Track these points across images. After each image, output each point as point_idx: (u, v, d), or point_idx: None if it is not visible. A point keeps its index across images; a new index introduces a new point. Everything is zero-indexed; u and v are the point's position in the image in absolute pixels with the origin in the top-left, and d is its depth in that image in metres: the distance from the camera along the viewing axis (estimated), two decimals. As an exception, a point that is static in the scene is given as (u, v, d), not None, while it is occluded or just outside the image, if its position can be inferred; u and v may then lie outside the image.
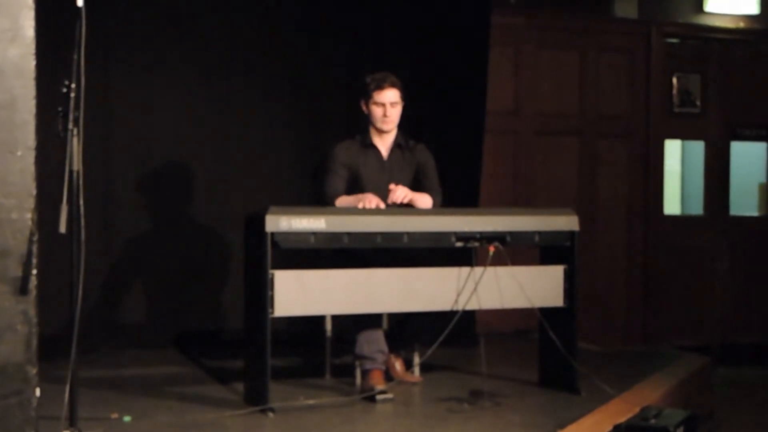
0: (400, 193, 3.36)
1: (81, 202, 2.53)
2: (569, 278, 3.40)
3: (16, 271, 2.29)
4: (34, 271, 2.29)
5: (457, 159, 4.63)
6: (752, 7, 6.16)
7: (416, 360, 3.64)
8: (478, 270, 3.21)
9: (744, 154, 6.38)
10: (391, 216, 3.18)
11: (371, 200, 3.30)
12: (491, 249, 3.21)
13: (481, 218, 3.28)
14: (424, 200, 3.50)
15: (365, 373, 3.38)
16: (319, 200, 3.51)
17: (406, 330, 3.53)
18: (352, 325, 3.39)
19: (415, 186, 3.58)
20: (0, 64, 2.28)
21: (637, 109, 5.93)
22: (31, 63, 2.32)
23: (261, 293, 2.96)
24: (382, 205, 3.33)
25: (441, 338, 3.16)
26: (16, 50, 2.31)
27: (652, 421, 2.89)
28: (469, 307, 3.23)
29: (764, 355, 5.88)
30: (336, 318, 3.61)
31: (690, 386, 3.83)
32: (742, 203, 6.37)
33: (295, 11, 4.62)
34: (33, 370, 2.29)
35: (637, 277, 5.90)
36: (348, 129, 3.82)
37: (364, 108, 3.55)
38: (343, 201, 3.43)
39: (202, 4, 4.47)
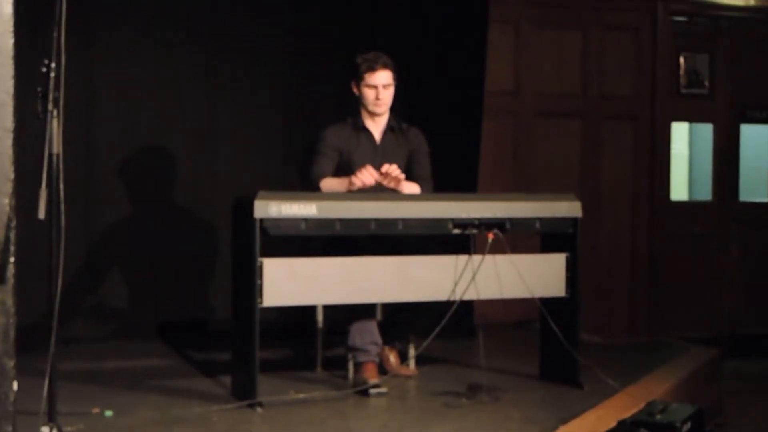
0: (394, 169, 3.27)
1: (61, 186, 2.48)
2: (571, 267, 3.37)
3: (-7, 259, 2.26)
4: (12, 259, 2.27)
5: (454, 142, 4.58)
6: (763, -15, 6.08)
7: (411, 352, 3.60)
8: (477, 258, 3.18)
9: (754, 138, 6.31)
10: (385, 202, 3.14)
11: (364, 173, 3.22)
12: (490, 236, 3.18)
13: (480, 204, 3.24)
14: (410, 189, 3.45)
15: (358, 366, 3.34)
16: (305, 181, 3.46)
17: (401, 321, 3.49)
18: (345, 315, 3.35)
19: (407, 171, 3.52)
20: (-24, 43, 2.25)
21: (643, 90, 5.86)
22: (9, 41, 2.28)
23: (249, 282, 2.93)
24: (376, 174, 3.25)
25: (437, 329, 3.12)
26: (-6, 28, 2.27)
27: (658, 416, 2.83)
28: (467, 297, 3.20)
29: (774, 347, 5.83)
30: (328, 308, 3.57)
31: (697, 380, 3.79)
32: (752, 189, 6.31)
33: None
34: (10, 363, 2.26)
35: (643, 266, 5.83)
36: (339, 111, 3.77)
37: (355, 90, 3.49)
38: (328, 182, 3.38)
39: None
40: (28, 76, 2.49)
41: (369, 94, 3.43)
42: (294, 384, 3.32)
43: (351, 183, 3.25)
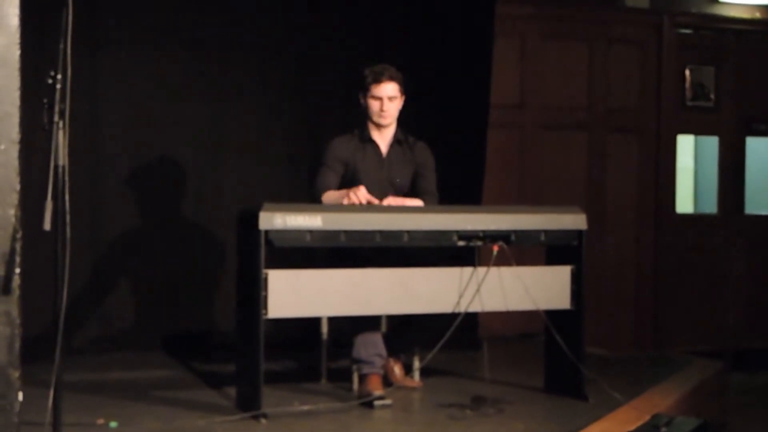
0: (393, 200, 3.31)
1: (66, 198, 2.47)
2: (576, 279, 3.35)
3: (-1, 270, 2.26)
4: (17, 270, 2.27)
5: (459, 154, 4.58)
6: (769, -3, 6.09)
7: (416, 364, 3.58)
8: (481, 270, 3.16)
9: (760, 151, 6.29)
10: (390, 214, 3.12)
11: (359, 194, 3.21)
12: (495, 248, 3.16)
13: (485, 216, 3.23)
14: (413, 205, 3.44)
15: (363, 378, 3.32)
16: (310, 194, 3.46)
17: (406, 333, 3.47)
18: (349, 327, 3.34)
19: (412, 185, 3.52)
20: (-17, 54, 2.26)
21: (648, 103, 5.85)
22: (16, 53, 2.29)
23: (254, 294, 2.92)
24: (371, 199, 3.25)
25: (442, 341, 3.11)
26: (0, 39, 2.28)
27: (663, 429, 2.84)
28: (471, 309, 3.18)
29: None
30: (332, 320, 3.56)
31: (703, 393, 3.78)
32: (758, 201, 6.29)
33: (291, 1, 4.55)
34: (15, 374, 2.27)
35: (648, 279, 5.81)
36: (344, 123, 3.76)
37: (361, 101, 3.49)
38: (329, 195, 3.37)
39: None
40: (35, 88, 2.53)
41: (374, 105, 3.42)
42: (298, 396, 3.30)
43: (348, 198, 3.23)
